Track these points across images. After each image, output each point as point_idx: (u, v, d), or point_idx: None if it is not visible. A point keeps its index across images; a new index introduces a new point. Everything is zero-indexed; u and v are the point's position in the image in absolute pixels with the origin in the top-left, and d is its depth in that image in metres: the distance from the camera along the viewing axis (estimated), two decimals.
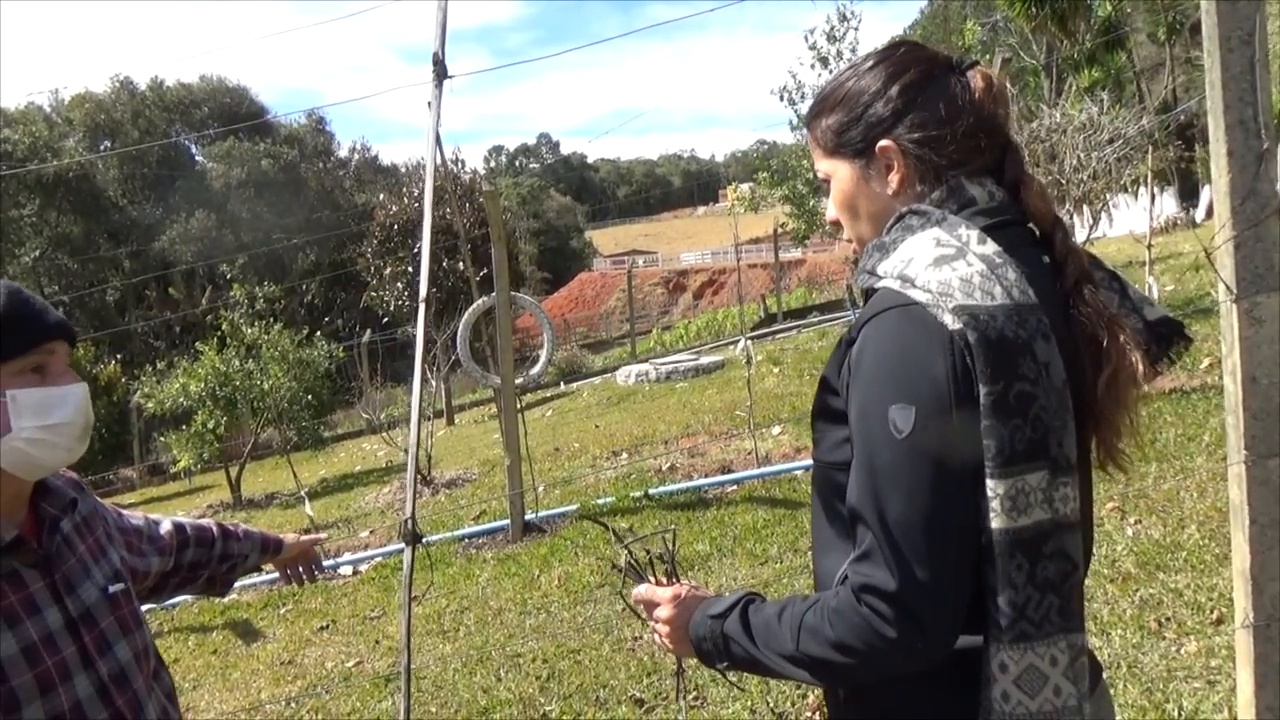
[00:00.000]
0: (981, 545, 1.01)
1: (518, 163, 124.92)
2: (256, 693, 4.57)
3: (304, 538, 2.05)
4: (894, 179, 1.17)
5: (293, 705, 4.28)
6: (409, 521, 1.94)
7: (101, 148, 37.39)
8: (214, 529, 1.86)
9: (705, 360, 13.51)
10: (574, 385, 15.98)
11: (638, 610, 1.36)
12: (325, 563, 6.56)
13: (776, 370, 11.21)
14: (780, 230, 20.18)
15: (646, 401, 11.56)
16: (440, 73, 2.17)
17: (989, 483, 1.00)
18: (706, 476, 6.76)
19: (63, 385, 1.32)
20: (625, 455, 8.21)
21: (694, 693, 3.61)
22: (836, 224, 1.27)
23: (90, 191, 36.17)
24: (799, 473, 6.41)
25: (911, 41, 1.28)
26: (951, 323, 1.01)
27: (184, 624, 5.90)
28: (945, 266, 1.04)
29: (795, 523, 5.41)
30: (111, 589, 1.43)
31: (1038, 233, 1.18)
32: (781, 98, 15.55)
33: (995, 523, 1.00)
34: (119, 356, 19.47)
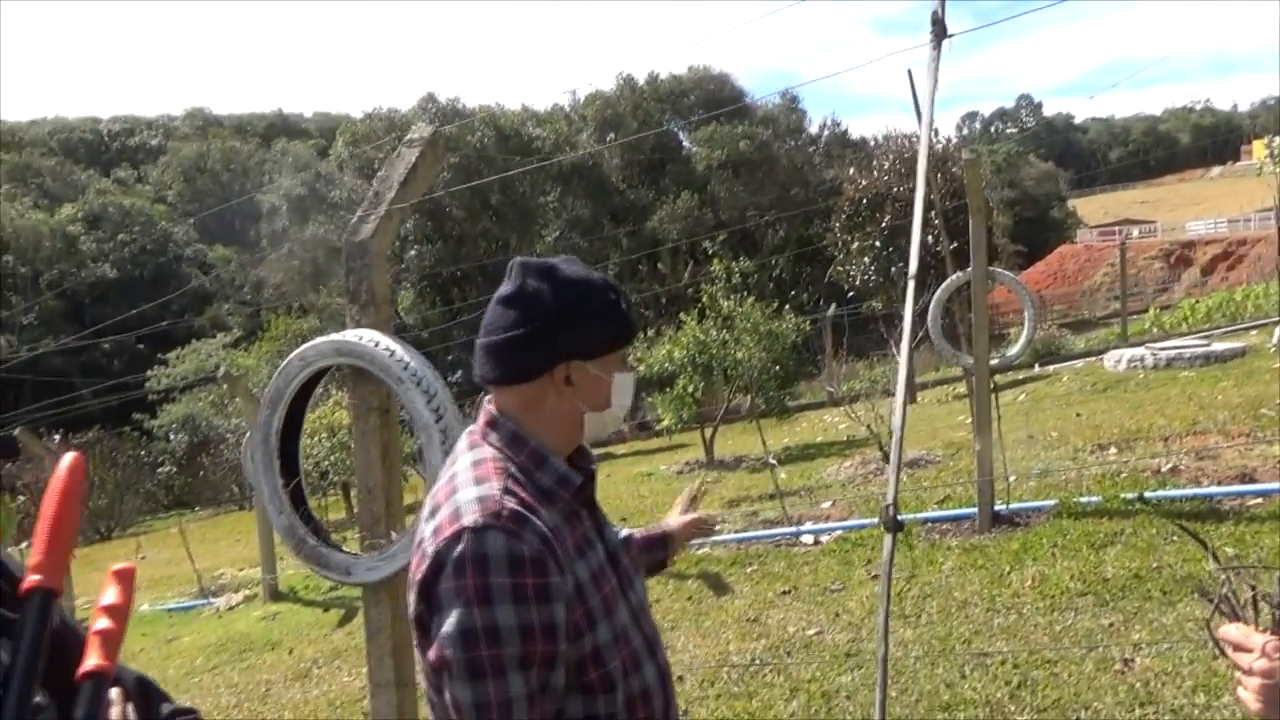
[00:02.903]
0: None
1: (994, 128, 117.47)
2: (725, 644, 4.88)
3: (687, 518, 1.99)
4: None
5: (757, 663, 4.50)
6: (890, 508, 1.85)
7: (607, 139, 42.42)
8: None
9: (1219, 346, 11.55)
10: (1051, 368, 14.68)
11: (1224, 649, 1.16)
12: (788, 529, 6.78)
13: None
14: None
15: (1141, 391, 10.22)
16: (939, 32, 2.04)
17: None
18: (1220, 484, 5.77)
19: (632, 373, 1.51)
20: (1114, 450, 7.34)
21: None
22: None
23: (598, 178, 41.29)
24: None
25: None
26: None
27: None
28: None
29: None
30: (622, 533, 1.58)
31: None
32: None
33: None
34: None
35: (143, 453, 24.65)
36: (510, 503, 1.30)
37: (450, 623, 1.24)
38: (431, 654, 1.27)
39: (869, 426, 8.87)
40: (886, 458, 8.71)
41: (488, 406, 1.45)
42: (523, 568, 1.25)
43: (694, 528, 1.98)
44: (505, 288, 1.43)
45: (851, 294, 18.59)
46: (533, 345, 1.39)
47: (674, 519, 1.98)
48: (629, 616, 1.45)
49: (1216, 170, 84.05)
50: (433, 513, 1.35)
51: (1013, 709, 3.55)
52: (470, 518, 1.28)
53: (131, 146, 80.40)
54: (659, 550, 1.91)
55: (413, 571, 1.33)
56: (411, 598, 1.32)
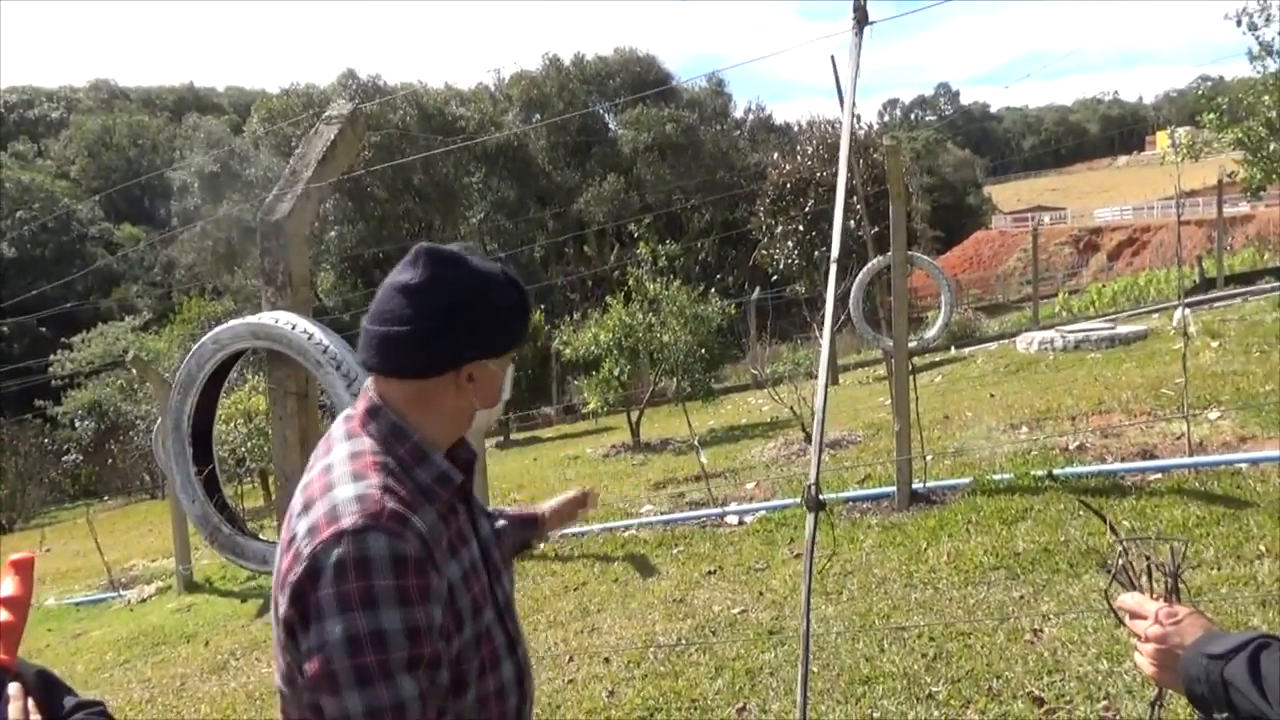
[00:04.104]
0: None
1: (913, 116, 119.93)
2: (651, 625, 4.91)
3: (568, 497, 2.01)
4: None
5: (683, 643, 4.55)
6: (813, 488, 1.88)
7: (533, 120, 42.01)
8: None
9: (1123, 329, 12.05)
10: (966, 350, 15.12)
11: (1121, 617, 1.21)
12: (713, 510, 6.85)
13: (1215, 344, 9.69)
14: (1227, 180, 17.31)
15: (1051, 372, 10.60)
16: (861, 19, 2.06)
17: None
18: (1123, 461, 6.03)
19: (512, 365, 1.48)
20: (1025, 429, 7.60)
21: (1105, 701, 3.25)
22: None
23: (523, 159, 40.91)
24: (1244, 466, 5.49)
25: None
26: None
27: (590, 551, 6.52)
28: None
29: (1238, 524, 4.65)
30: (497, 525, 1.57)
31: None
32: (1239, 23, 13.26)
33: None
34: (543, 307, 21.93)
35: (46, 440, 23.63)
36: (390, 502, 1.25)
37: (334, 631, 1.19)
38: (311, 666, 1.20)
39: (792, 408, 9.01)
40: (809, 439, 8.87)
41: (369, 393, 1.39)
42: (406, 568, 1.22)
43: (569, 509, 1.97)
44: (409, 275, 1.35)
45: (775, 278, 18.81)
46: (439, 342, 1.34)
47: (551, 504, 1.97)
48: (494, 614, 1.42)
49: (1123, 159, 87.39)
50: (306, 508, 1.28)
51: (929, 680, 3.66)
52: (349, 519, 1.22)
53: (30, 119, 76.43)
54: (528, 529, 1.90)
55: (283, 571, 1.26)
56: (282, 599, 1.25)
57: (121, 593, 9.43)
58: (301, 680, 1.24)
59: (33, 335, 38.86)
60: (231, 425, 12.58)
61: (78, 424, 24.89)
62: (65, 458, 23.91)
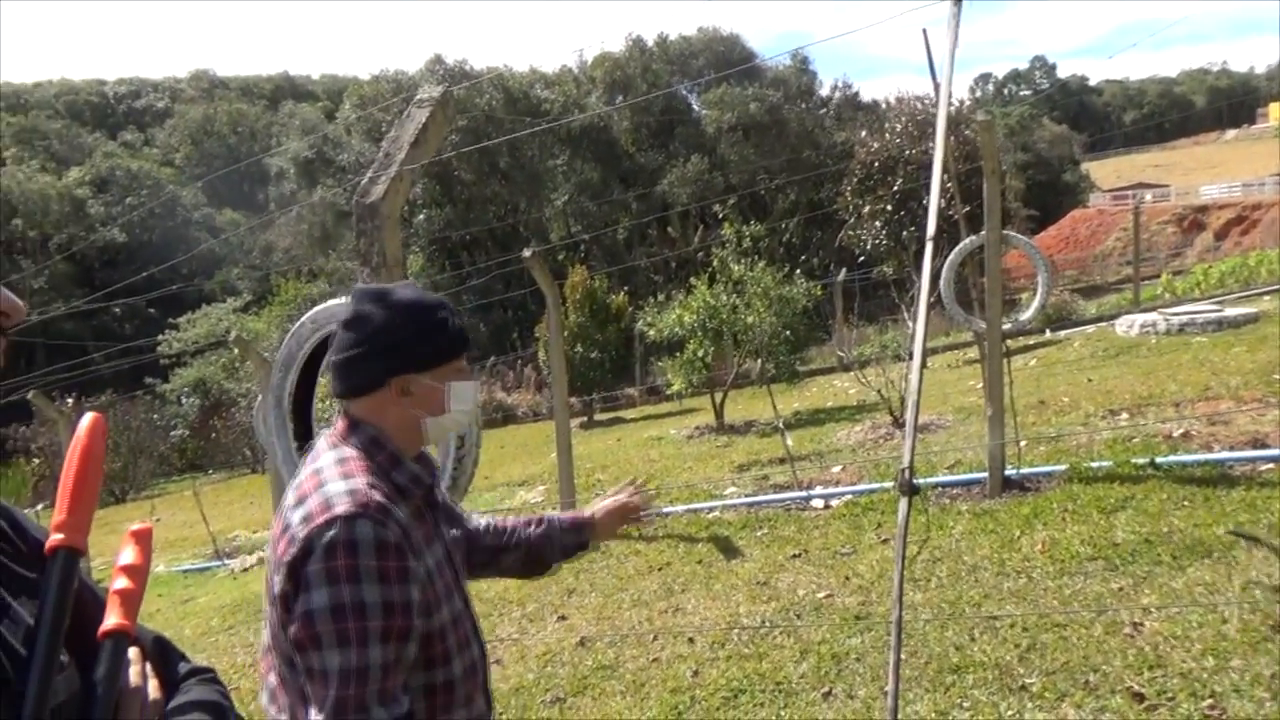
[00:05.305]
0: None
1: (1007, 90, 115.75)
2: (735, 606, 4.91)
3: (614, 501, 2.09)
4: None
5: (767, 625, 4.53)
6: (906, 471, 1.84)
7: (616, 101, 41.99)
8: (511, 520, 2.05)
9: (1231, 312, 11.47)
10: (1062, 334, 14.61)
11: None
12: (798, 493, 6.79)
13: None
14: None
15: (1153, 356, 10.16)
16: None
17: None
18: (1232, 449, 5.75)
19: (471, 380, 1.68)
20: (1125, 415, 7.32)
21: (1210, 700, 3.12)
22: None
23: (607, 141, 40.93)
24: None
25: None
26: None
27: (674, 532, 6.54)
28: None
29: None
30: (457, 533, 1.78)
31: None
32: None
33: None
34: (626, 288, 21.98)
35: (155, 416, 24.75)
36: (376, 495, 1.46)
37: (321, 599, 1.37)
38: (297, 628, 1.39)
39: (879, 391, 8.85)
40: (896, 422, 8.70)
41: (347, 413, 1.61)
42: (387, 552, 1.41)
43: (620, 514, 2.08)
44: (345, 313, 1.63)
45: (862, 259, 18.46)
46: (367, 363, 1.57)
47: (600, 505, 2.09)
48: (461, 603, 1.64)
49: (1231, 133, 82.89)
50: (299, 502, 1.47)
51: (1022, 671, 3.56)
52: (342, 507, 1.42)
53: (138, 109, 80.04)
54: (580, 533, 2.04)
55: (279, 554, 1.45)
56: (278, 577, 1.44)
57: (226, 561, 9.86)
58: (276, 643, 1.46)
59: (142, 316, 40.82)
60: (329, 403, 12.98)
61: (184, 401, 26.01)
62: (173, 433, 25.02)
